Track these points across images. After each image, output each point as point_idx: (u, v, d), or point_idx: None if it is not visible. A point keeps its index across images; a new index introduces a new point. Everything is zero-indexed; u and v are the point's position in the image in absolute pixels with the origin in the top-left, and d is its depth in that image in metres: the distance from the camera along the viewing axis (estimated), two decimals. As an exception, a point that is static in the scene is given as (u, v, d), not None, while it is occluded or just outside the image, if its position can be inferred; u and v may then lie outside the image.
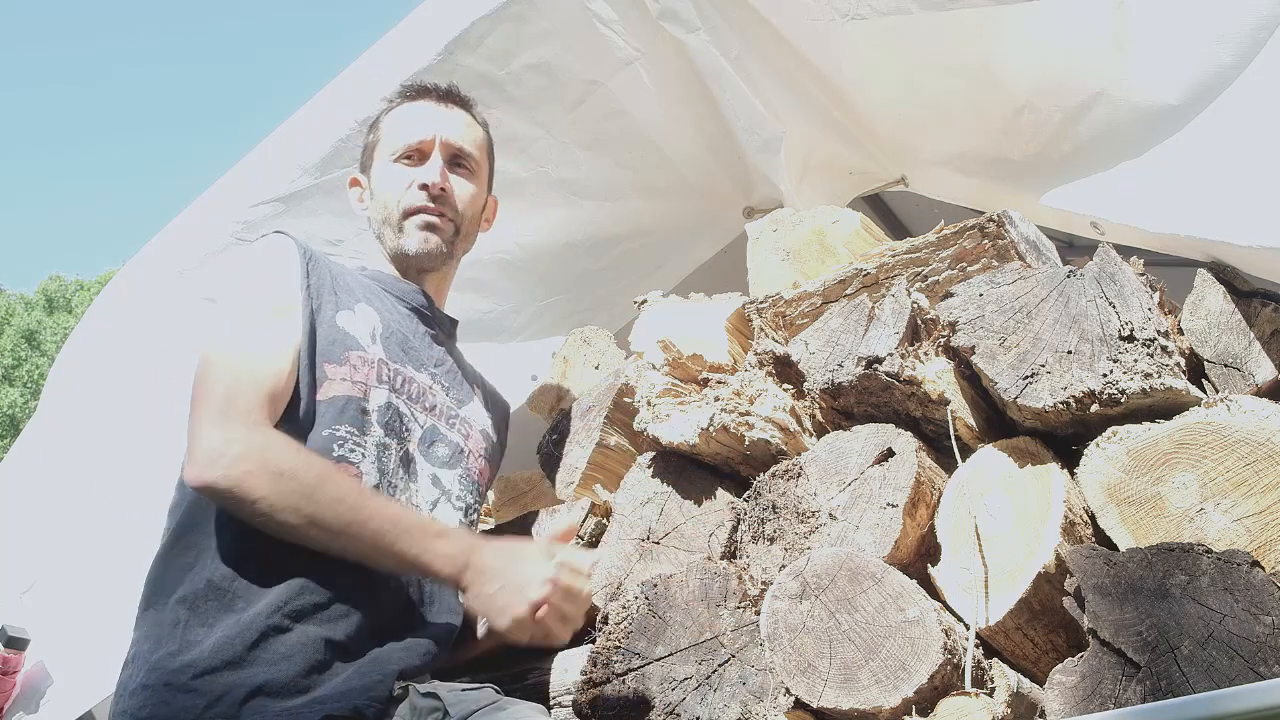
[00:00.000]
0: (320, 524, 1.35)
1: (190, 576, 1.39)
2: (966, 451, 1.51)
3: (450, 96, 1.82)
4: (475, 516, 1.72)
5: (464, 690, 1.43)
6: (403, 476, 1.57)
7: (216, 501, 1.40)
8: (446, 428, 1.68)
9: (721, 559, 1.62)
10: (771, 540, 1.55)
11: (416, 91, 1.82)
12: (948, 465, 1.53)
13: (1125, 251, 1.58)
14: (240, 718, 1.28)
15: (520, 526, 1.91)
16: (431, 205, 1.73)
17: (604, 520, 1.83)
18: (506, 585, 1.37)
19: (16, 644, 2.36)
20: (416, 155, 1.76)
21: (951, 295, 1.56)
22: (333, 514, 1.35)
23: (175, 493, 1.51)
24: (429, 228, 1.73)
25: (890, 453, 1.51)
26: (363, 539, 1.37)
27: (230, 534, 1.40)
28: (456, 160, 1.78)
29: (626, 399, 1.84)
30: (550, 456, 1.98)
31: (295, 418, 1.48)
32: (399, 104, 1.83)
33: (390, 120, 1.81)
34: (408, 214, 1.73)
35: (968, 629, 1.33)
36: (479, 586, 1.39)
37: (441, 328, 1.80)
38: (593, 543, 1.80)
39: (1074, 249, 2.11)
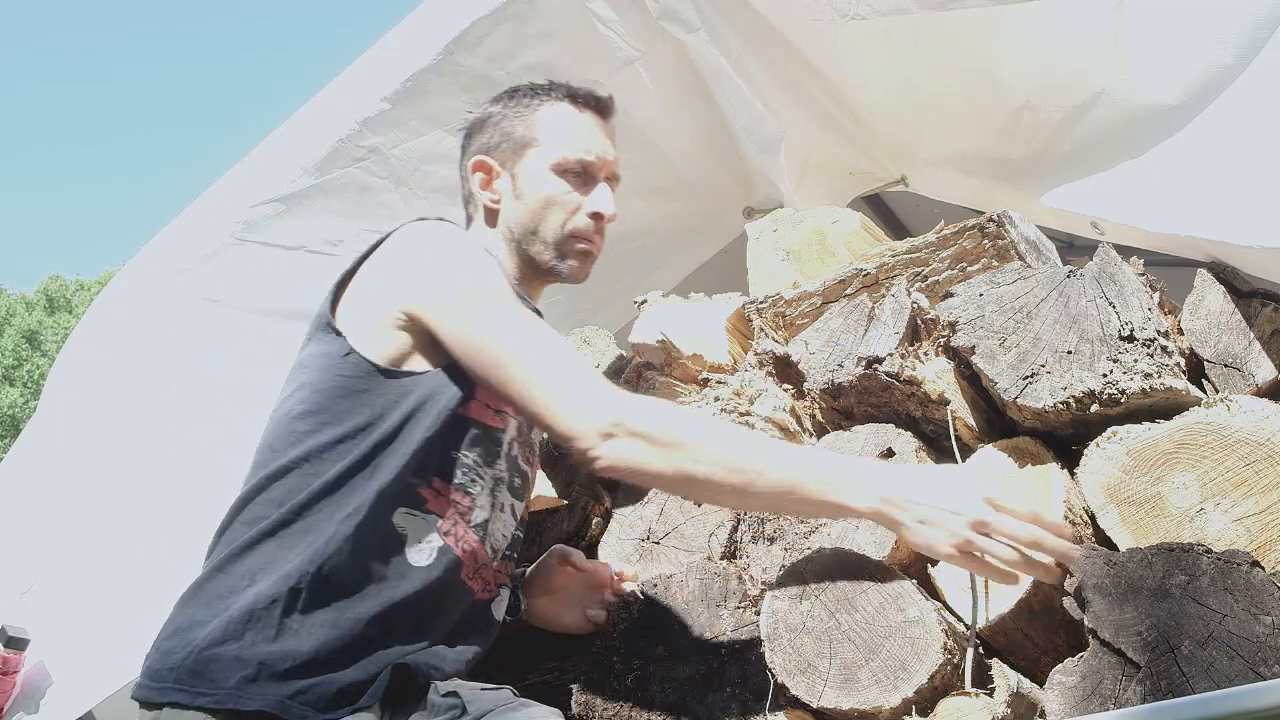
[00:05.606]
0: (715, 483, 1.35)
1: (299, 563, 1.37)
2: (966, 451, 1.51)
3: (610, 110, 1.73)
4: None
5: (482, 690, 1.44)
6: (505, 506, 1.54)
7: (618, 479, 1.57)
8: (522, 446, 1.63)
9: (721, 559, 1.62)
10: (771, 540, 1.55)
11: (583, 99, 1.69)
12: (948, 465, 1.53)
13: (1125, 251, 1.58)
14: (325, 711, 1.31)
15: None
16: (596, 236, 1.69)
17: (604, 520, 1.83)
18: (928, 519, 1.29)
19: (16, 644, 2.35)
20: (582, 174, 1.66)
21: (951, 295, 1.56)
22: (723, 472, 1.35)
23: (293, 479, 1.43)
24: (587, 256, 1.69)
25: (890, 453, 1.51)
26: (763, 493, 1.36)
27: (340, 533, 1.38)
28: (609, 180, 1.71)
29: (626, 399, 1.84)
30: (551, 456, 1.98)
31: (427, 420, 1.44)
32: (562, 102, 1.69)
33: (554, 122, 1.67)
34: (574, 237, 1.66)
35: (968, 629, 1.33)
36: (902, 525, 1.31)
37: None
38: (593, 543, 1.80)
39: (1074, 249, 2.10)
